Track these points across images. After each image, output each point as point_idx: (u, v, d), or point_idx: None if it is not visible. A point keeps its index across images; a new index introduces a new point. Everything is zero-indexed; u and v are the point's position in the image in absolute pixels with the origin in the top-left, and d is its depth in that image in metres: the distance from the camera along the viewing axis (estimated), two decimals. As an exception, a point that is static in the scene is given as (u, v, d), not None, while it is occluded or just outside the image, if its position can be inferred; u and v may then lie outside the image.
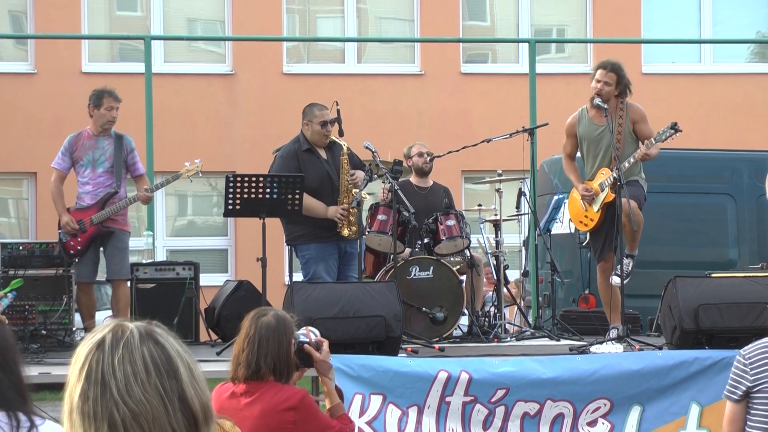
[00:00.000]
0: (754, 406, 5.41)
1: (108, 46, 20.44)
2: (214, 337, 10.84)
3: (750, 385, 5.38)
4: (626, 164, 9.42)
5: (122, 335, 2.22)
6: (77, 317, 10.90)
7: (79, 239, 10.12)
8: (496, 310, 10.55)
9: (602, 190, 9.62)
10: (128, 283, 10.39)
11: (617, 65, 9.74)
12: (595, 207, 9.69)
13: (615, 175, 9.43)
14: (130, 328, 2.24)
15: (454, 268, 10.16)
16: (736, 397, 5.42)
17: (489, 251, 10.94)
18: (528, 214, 11.48)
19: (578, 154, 10.02)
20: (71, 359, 2.24)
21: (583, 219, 9.84)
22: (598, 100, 9.59)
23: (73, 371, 2.22)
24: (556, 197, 11.55)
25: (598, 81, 9.64)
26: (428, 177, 11.13)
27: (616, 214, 9.36)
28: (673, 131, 9.38)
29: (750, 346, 5.49)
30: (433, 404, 8.24)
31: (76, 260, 10.24)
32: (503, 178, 11.02)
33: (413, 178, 11.10)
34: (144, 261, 11.54)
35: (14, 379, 3.27)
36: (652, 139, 9.45)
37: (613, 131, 9.55)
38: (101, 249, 10.30)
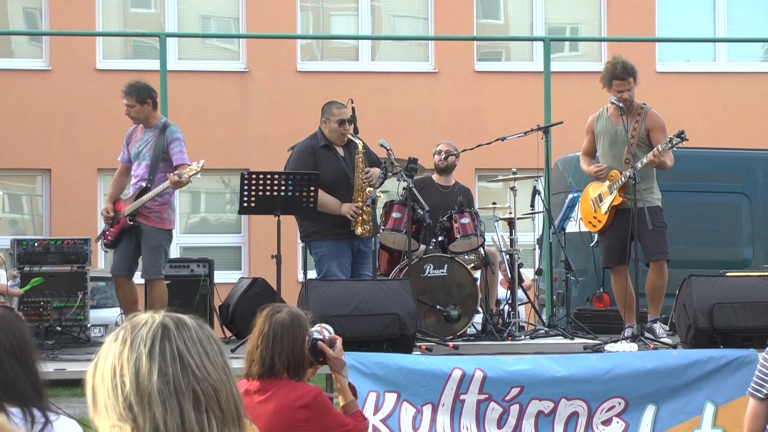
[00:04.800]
0: (779, 404, 5.43)
1: (122, 44, 20.48)
2: (228, 334, 10.85)
3: (777, 382, 5.40)
4: (638, 165, 9.38)
5: (179, 320, 2.28)
6: (92, 313, 10.91)
7: (113, 230, 10.01)
8: (510, 309, 10.55)
9: (611, 193, 9.59)
10: (162, 282, 10.01)
11: (629, 67, 9.64)
12: (603, 208, 9.66)
13: (624, 179, 9.41)
14: (179, 315, 2.30)
15: (469, 266, 10.15)
16: (761, 396, 5.44)
17: (503, 249, 10.93)
18: (542, 212, 11.48)
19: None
20: (122, 349, 2.24)
21: (592, 220, 9.82)
22: (613, 98, 9.55)
23: (140, 356, 2.22)
24: (570, 196, 11.53)
25: (620, 91, 9.54)
26: (451, 176, 11.12)
27: (629, 222, 9.34)
28: (678, 139, 9.33)
29: None
30: (447, 402, 8.24)
31: (109, 251, 10.09)
32: (517, 176, 11.01)
33: (435, 176, 11.11)
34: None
35: (30, 375, 3.29)
36: (659, 146, 9.40)
37: (628, 132, 9.52)
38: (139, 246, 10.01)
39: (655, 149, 9.36)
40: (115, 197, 10.18)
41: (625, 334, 9.40)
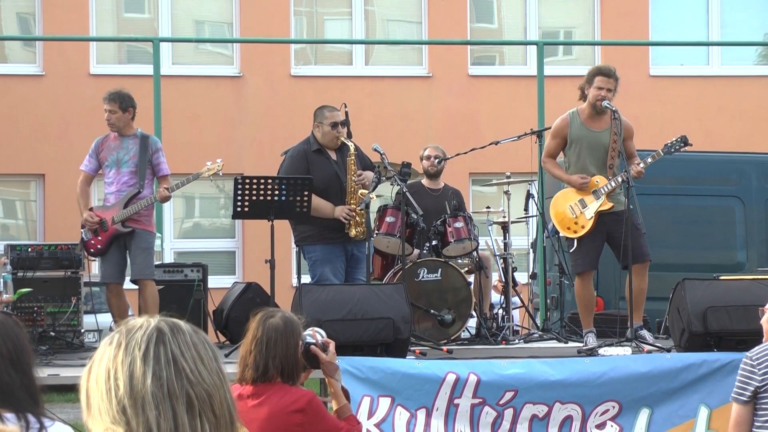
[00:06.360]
0: (762, 407, 5.45)
1: (116, 48, 20.47)
2: (222, 338, 10.85)
3: (758, 384, 5.43)
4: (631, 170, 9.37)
5: (174, 325, 2.29)
6: (85, 319, 10.92)
7: (100, 238, 10.04)
8: (504, 312, 10.54)
9: (597, 198, 9.51)
10: (154, 282, 10.13)
11: (614, 71, 9.63)
12: (588, 214, 9.53)
13: (614, 183, 9.38)
14: (174, 320, 2.31)
15: (462, 270, 10.15)
16: (744, 399, 5.45)
17: (497, 253, 10.92)
18: (536, 216, 11.48)
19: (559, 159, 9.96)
20: (117, 352, 2.25)
21: (572, 225, 9.62)
22: (606, 103, 9.51)
23: (134, 359, 2.23)
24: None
25: (600, 88, 9.52)
26: (440, 179, 11.11)
27: (607, 227, 9.34)
28: (682, 144, 9.30)
29: (755, 348, 5.59)
30: (441, 406, 8.24)
31: (97, 259, 10.18)
32: (511, 180, 11.01)
33: (424, 180, 11.10)
34: (152, 263, 11.53)
35: (26, 381, 3.28)
36: (660, 151, 9.39)
37: (611, 139, 9.49)
38: (127, 251, 10.09)
39: (640, 163, 9.34)
40: (87, 206, 10.23)
41: (588, 340, 9.45)
